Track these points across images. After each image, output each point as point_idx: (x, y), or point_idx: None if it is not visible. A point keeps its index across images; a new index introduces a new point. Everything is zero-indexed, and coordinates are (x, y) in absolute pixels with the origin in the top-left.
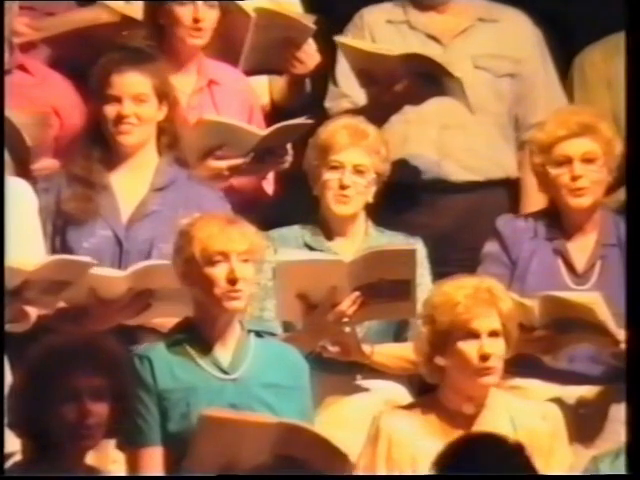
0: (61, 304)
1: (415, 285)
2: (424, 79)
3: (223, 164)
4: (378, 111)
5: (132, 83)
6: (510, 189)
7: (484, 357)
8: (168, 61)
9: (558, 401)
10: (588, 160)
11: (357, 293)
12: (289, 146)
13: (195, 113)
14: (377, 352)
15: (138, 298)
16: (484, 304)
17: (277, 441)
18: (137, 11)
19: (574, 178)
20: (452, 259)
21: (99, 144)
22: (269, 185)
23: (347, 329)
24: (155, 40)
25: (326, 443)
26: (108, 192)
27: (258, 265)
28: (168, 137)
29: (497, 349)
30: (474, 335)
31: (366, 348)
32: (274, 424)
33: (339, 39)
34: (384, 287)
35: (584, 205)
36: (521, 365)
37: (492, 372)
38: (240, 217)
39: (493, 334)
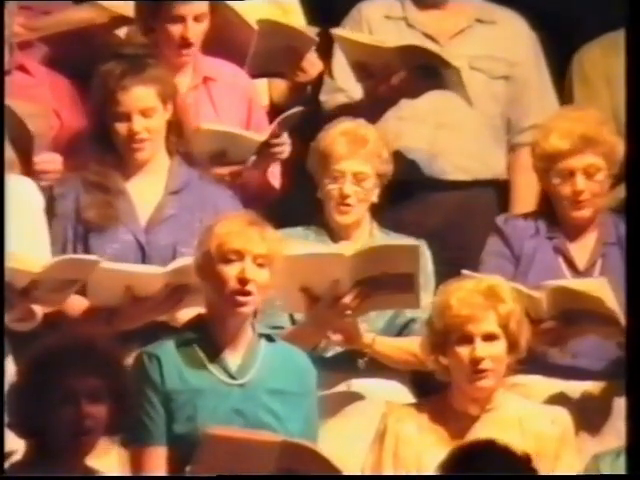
0: (90, 304)
1: (418, 278)
2: (421, 72)
3: (225, 170)
4: (374, 105)
5: (138, 98)
6: (498, 190)
7: (475, 361)
8: (164, 62)
9: (561, 397)
10: (590, 174)
11: (359, 287)
12: (285, 135)
13: (192, 110)
14: (379, 342)
15: (173, 294)
16: (478, 307)
17: (281, 459)
18: (132, 10)
19: (576, 193)
20: (442, 257)
21: (112, 151)
22: (276, 180)
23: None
24: (150, 40)
25: (328, 464)
26: (125, 197)
27: (273, 272)
28: (175, 134)
29: (493, 352)
30: (468, 338)
31: (368, 337)
32: (278, 443)
33: (335, 31)
34: (387, 280)
35: (585, 217)
36: (523, 362)
37: (486, 375)
38: (265, 221)
39: (489, 337)
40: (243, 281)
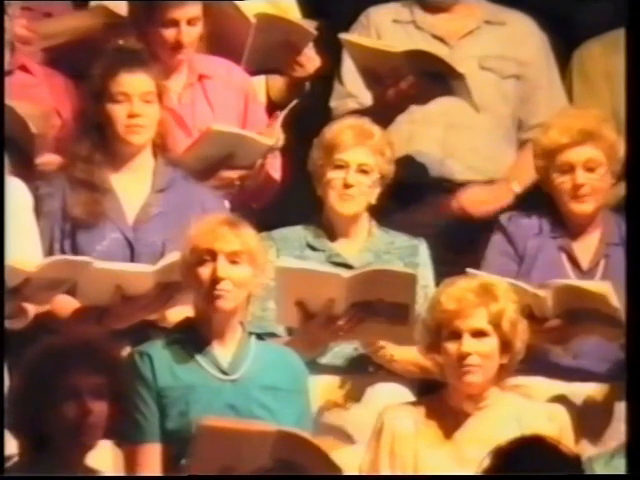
0: (81, 304)
1: (414, 311)
2: (429, 78)
3: (234, 174)
4: (384, 111)
5: (141, 82)
6: None
7: (461, 356)
8: (158, 62)
9: (563, 399)
10: (591, 168)
11: (355, 309)
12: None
13: (187, 109)
14: (396, 360)
15: (164, 292)
16: (467, 303)
17: (276, 449)
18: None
19: (576, 187)
20: (454, 259)
21: (100, 146)
22: (276, 172)
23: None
24: (144, 43)
25: (322, 453)
26: (112, 194)
27: (256, 268)
28: (160, 138)
29: (481, 348)
30: (456, 334)
31: (385, 352)
32: (273, 432)
33: (343, 36)
34: (382, 308)
35: (587, 211)
36: (524, 362)
37: (472, 370)
38: (242, 219)
39: (478, 333)
40: (215, 280)
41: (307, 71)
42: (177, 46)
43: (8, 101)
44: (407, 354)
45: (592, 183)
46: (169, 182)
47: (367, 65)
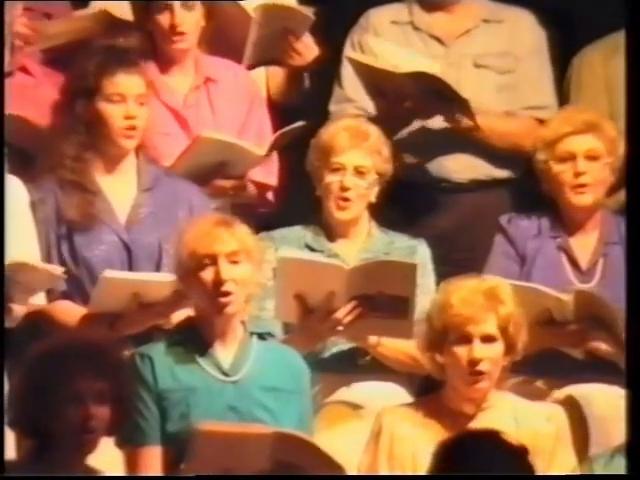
0: (90, 310)
1: (414, 304)
2: (432, 96)
3: (227, 184)
4: (388, 123)
5: (137, 84)
6: (513, 188)
7: (473, 362)
8: (162, 62)
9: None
10: (592, 157)
11: (354, 303)
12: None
13: (192, 112)
14: (383, 343)
15: (180, 298)
16: (478, 308)
17: (274, 451)
18: (131, 14)
19: (577, 174)
20: (454, 259)
21: (89, 145)
22: (272, 177)
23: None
24: (147, 43)
25: (322, 453)
26: (102, 196)
27: (254, 265)
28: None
29: (490, 354)
30: (467, 338)
31: (373, 338)
32: (270, 434)
33: (348, 55)
34: (382, 301)
35: (586, 203)
36: (527, 364)
37: (483, 377)
38: (234, 218)
39: (488, 339)
40: (219, 283)
41: (305, 60)
42: (174, 32)
43: (12, 109)
44: (402, 346)
45: (593, 172)
46: (154, 180)
47: (371, 82)
